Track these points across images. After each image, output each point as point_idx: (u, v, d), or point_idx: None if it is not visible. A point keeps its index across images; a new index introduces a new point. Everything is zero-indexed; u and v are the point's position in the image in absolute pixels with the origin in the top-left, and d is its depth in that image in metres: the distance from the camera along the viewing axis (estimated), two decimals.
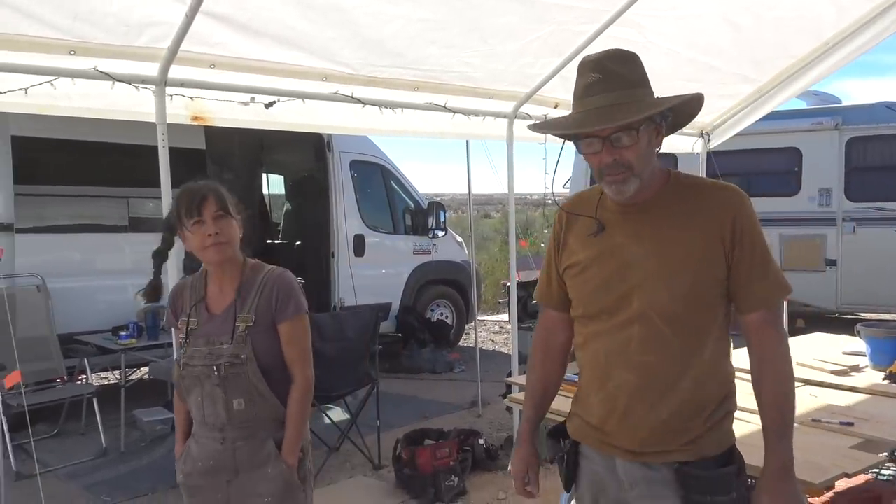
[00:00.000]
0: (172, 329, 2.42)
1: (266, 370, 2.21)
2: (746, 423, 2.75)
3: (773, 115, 8.85)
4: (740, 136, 6.96)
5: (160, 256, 2.34)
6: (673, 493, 1.73)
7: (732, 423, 1.83)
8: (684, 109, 1.80)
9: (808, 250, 9.07)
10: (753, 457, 2.36)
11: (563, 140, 1.91)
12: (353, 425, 4.93)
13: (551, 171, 4.57)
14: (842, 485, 3.42)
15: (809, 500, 2.91)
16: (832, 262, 8.92)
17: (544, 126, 1.92)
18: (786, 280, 1.77)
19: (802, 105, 9.77)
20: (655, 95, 1.74)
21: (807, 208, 9.10)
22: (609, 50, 1.76)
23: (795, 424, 2.73)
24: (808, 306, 9.27)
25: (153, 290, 2.32)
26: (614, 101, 1.66)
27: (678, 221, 1.74)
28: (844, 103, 9.75)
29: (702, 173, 6.20)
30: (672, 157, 7.86)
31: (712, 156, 6.45)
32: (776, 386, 1.73)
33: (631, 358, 1.75)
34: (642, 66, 1.74)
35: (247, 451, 2.23)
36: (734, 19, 4.33)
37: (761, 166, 9.60)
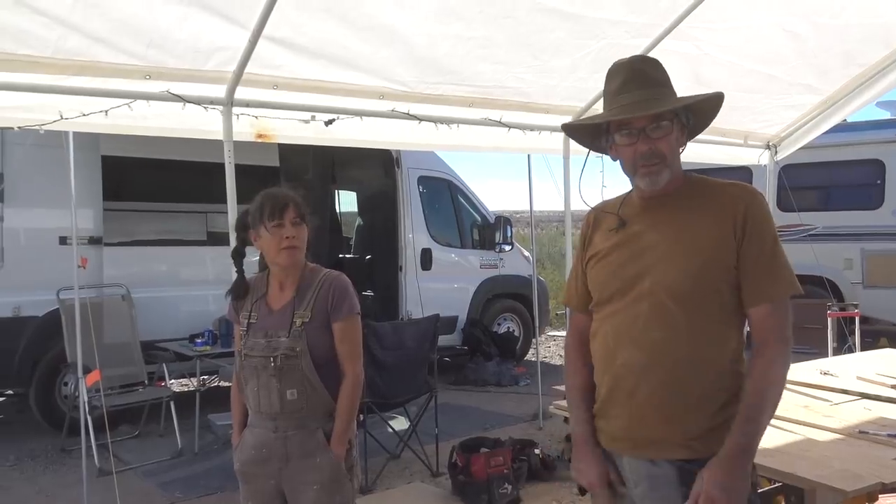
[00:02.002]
0: (234, 325, 2.55)
1: (318, 364, 2.36)
2: (787, 433, 2.76)
3: (854, 127, 8.63)
4: (818, 147, 6.80)
5: (239, 255, 2.51)
6: (676, 490, 1.75)
7: None
8: (704, 111, 1.88)
9: (892, 266, 8.69)
10: (794, 465, 2.38)
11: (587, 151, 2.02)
12: (413, 433, 5.05)
13: (605, 183, 4.60)
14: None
15: None
16: None
17: (582, 121, 2.00)
18: (794, 278, 1.78)
19: (885, 115, 9.40)
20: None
21: (891, 222, 8.72)
22: (635, 56, 1.90)
23: (840, 436, 2.74)
24: (894, 324, 8.88)
25: (238, 287, 2.48)
26: (648, 97, 1.79)
27: (694, 212, 1.82)
28: None
29: (772, 185, 6.09)
30: (747, 171, 7.72)
31: (785, 169, 6.33)
32: (762, 373, 1.74)
33: (638, 335, 1.79)
34: (665, 70, 1.87)
35: (297, 441, 2.36)
36: (792, 28, 4.30)
37: (842, 179, 9.27)
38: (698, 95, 1.84)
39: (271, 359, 2.33)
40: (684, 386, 1.76)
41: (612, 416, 1.86)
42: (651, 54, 4.21)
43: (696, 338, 1.76)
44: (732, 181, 1.88)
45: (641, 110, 1.77)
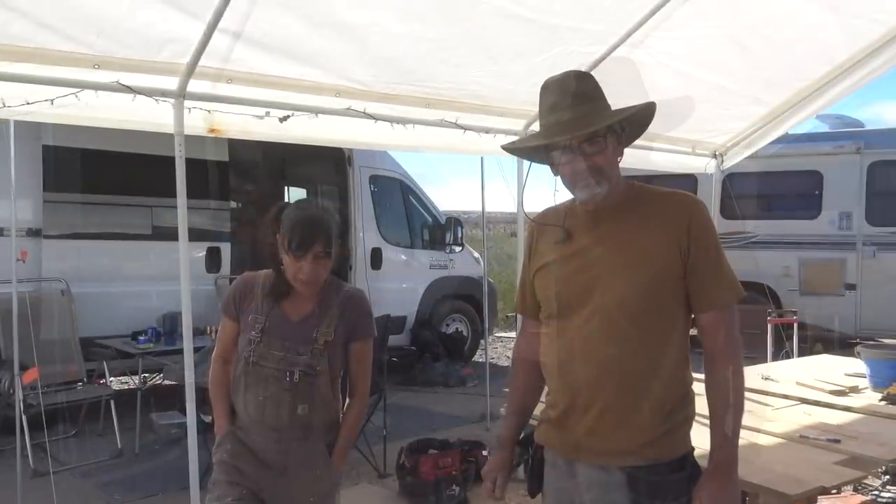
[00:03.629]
0: (225, 319, 2.40)
1: (332, 381, 2.32)
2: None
3: (795, 138, 8.90)
4: (761, 157, 6.99)
5: (276, 260, 2.31)
6: (625, 497, 1.81)
7: (690, 429, 1.89)
8: (638, 120, 1.90)
9: (828, 274, 9.02)
10: (740, 469, 2.44)
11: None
12: (361, 433, 5.01)
13: (557, 187, 4.63)
14: None
15: None
16: (851, 287, 8.86)
17: (518, 143, 2.01)
18: (738, 283, 1.86)
19: (825, 128, 9.74)
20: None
21: (827, 231, 9.05)
22: (567, 71, 1.90)
23: (782, 440, 2.82)
24: (827, 331, 9.20)
25: (283, 287, 2.31)
26: (579, 115, 1.80)
27: (638, 223, 1.85)
28: (868, 127, 9.72)
29: (716, 193, 6.24)
30: (692, 179, 7.90)
31: (730, 177, 6.49)
32: (724, 384, 1.81)
33: (591, 351, 1.83)
34: (598, 83, 1.88)
35: (300, 452, 2.30)
36: (742, 41, 4.40)
37: (782, 189, 9.58)
38: (627, 109, 1.84)
39: (287, 373, 2.25)
40: (636, 397, 1.82)
41: (569, 428, 1.90)
42: (606, 62, 4.33)
43: (646, 350, 1.82)
44: (674, 190, 1.93)
45: (569, 131, 1.79)
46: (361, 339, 2.37)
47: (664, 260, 1.81)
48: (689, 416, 1.88)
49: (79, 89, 3.24)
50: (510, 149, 2.09)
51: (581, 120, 1.79)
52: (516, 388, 2.13)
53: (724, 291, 1.84)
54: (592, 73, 2.06)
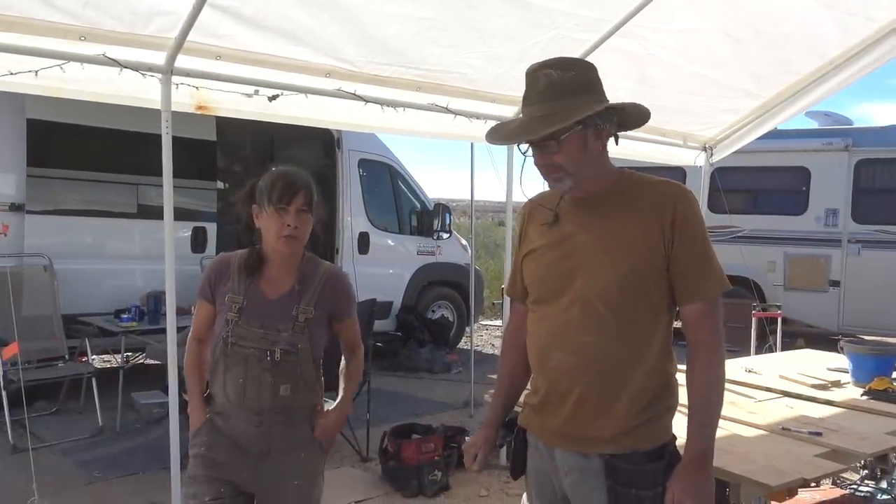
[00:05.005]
0: (200, 301, 2.34)
1: (314, 361, 2.26)
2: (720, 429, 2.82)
3: (783, 134, 8.94)
4: (749, 152, 7.00)
5: (251, 232, 2.28)
6: (601, 483, 1.82)
7: (672, 419, 1.89)
8: (633, 113, 1.88)
9: (812, 270, 9.08)
10: (721, 460, 2.45)
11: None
12: None
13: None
14: (817, 497, 3.47)
15: None
16: (836, 283, 8.93)
17: (491, 131, 1.98)
18: (724, 276, 1.84)
19: (814, 125, 9.78)
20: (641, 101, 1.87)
21: (812, 228, 9.11)
22: (552, 59, 1.85)
23: (764, 432, 2.83)
24: (810, 326, 9.28)
25: (258, 261, 2.27)
26: (538, 113, 1.79)
27: (623, 212, 1.84)
28: (856, 125, 9.77)
29: (705, 186, 6.24)
30: (681, 171, 7.91)
31: (718, 171, 6.49)
32: (702, 375, 1.80)
33: (570, 338, 1.84)
34: (584, 74, 1.83)
35: (282, 436, 2.24)
36: (735, 34, 4.38)
37: (769, 184, 9.64)
38: (590, 108, 1.78)
39: (268, 353, 2.19)
40: (614, 387, 1.82)
41: (549, 414, 1.92)
42: (598, 50, 4.31)
43: (626, 340, 1.82)
44: (664, 179, 1.91)
45: (521, 134, 1.82)
46: (346, 318, 2.35)
47: (646, 250, 1.80)
48: (670, 406, 1.88)
49: (64, 61, 3.19)
50: (489, 137, 2.04)
51: (538, 120, 1.78)
52: (504, 371, 2.15)
53: (708, 283, 1.81)
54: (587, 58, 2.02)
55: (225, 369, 2.23)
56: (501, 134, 1.92)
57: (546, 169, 1.83)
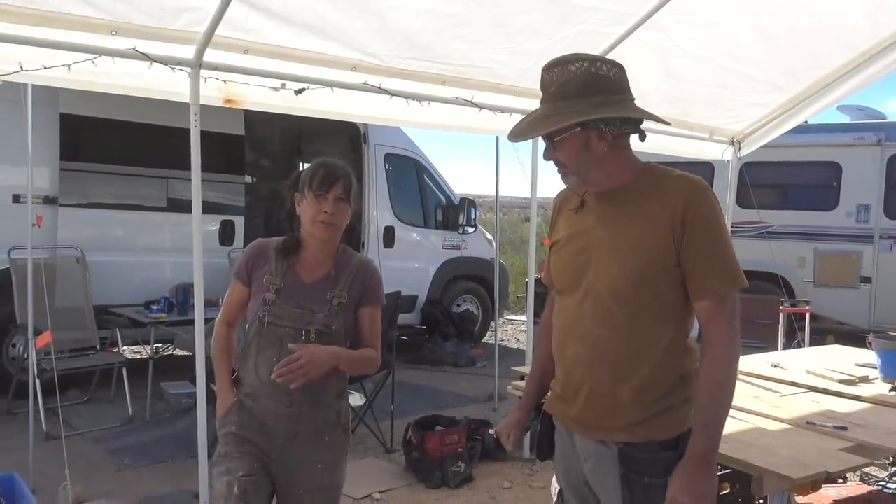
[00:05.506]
0: (235, 283, 2.40)
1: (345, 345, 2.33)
2: (738, 421, 2.82)
3: (814, 129, 8.81)
4: (779, 147, 6.91)
5: (291, 218, 2.37)
6: (615, 469, 1.86)
7: (690, 410, 1.86)
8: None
9: (843, 266, 8.94)
10: (744, 452, 2.44)
11: None
12: (369, 409, 5.05)
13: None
14: (842, 493, 3.44)
15: (804, 499, 2.95)
16: (867, 280, 8.78)
17: (514, 138, 2.00)
18: (738, 273, 1.80)
19: (845, 119, 9.62)
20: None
21: (844, 224, 8.96)
22: (570, 55, 1.85)
23: (788, 426, 2.81)
24: (841, 323, 9.14)
25: (295, 244, 2.35)
26: (543, 112, 1.84)
27: (638, 208, 1.85)
28: (889, 119, 9.59)
29: (733, 181, 6.19)
30: (709, 166, 7.84)
31: (746, 166, 6.42)
32: (709, 374, 1.79)
33: (583, 331, 1.89)
34: (597, 74, 1.80)
35: (310, 417, 2.29)
36: (765, 28, 4.34)
37: (799, 179, 9.48)
38: (581, 115, 1.78)
39: (303, 332, 2.25)
40: (626, 379, 1.85)
41: (568, 402, 1.97)
42: (624, 43, 4.29)
43: (636, 335, 1.84)
44: (682, 173, 1.89)
45: (525, 132, 1.88)
46: (371, 304, 2.38)
47: (656, 247, 1.79)
48: (688, 398, 1.87)
49: (96, 55, 3.24)
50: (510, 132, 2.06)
51: (540, 119, 1.84)
52: (539, 356, 2.21)
53: (718, 280, 1.79)
54: (612, 54, 2.03)
55: (258, 350, 2.29)
56: (514, 129, 1.95)
57: (555, 164, 1.90)
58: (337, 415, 2.36)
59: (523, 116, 1.99)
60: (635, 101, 1.87)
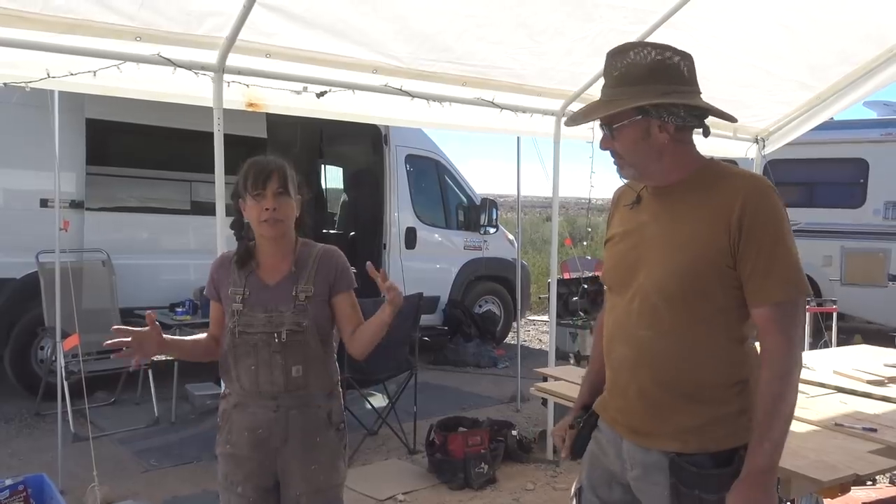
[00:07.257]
0: (211, 301, 2.42)
1: (322, 339, 2.31)
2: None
3: (840, 125, 8.69)
4: (805, 144, 6.82)
5: (239, 226, 2.37)
6: (665, 479, 1.76)
7: (747, 423, 1.73)
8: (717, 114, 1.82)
9: (871, 264, 8.81)
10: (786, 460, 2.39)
11: None
12: (392, 410, 5.06)
13: (594, 169, 4.61)
14: (872, 495, 3.39)
15: (832, 502, 2.90)
16: (895, 278, 8.64)
17: (573, 122, 1.96)
18: (800, 280, 1.70)
19: (872, 115, 9.48)
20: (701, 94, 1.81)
21: (871, 221, 8.83)
22: (626, 44, 1.81)
23: (816, 428, 2.76)
24: (868, 323, 9.02)
25: (247, 254, 2.34)
26: (604, 98, 1.79)
27: (693, 206, 1.77)
28: None
29: None
30: (733, 164, 7.75)
31: (771, 163, 6.35)
32: (766, 386, 1.69)
33: (629, 331, 1.82)
34: (664, 62, 1.74)
35: (300, 419, 2.28)
36: (789, 24, 4.29)
37: (825, 176, 9.37)
38: (642, 100, 1.72)
39: (275, 335, 2.24)
40: (671, 383, 1.78)
41: (616, 404, 1.91)
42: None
43: (681, 337, 1.75)
44: (742, 171, 1.81)
45: (581, 117, 1.84)
46: (343, 290, 2.35)
47: (709, 248, 1.70)
48: (744, 409, 1.75)
49: (121, 61, 3.29)
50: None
51: (599, 105, 1.79)
52: (594, 355, 2.16)
53: (776, 287, 1.67)
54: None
55: (236, 360, 2.29)
56: (573, 115, 1.90)
57: (611, 154, 1.83)
58: (328, 415, 2.34)
59: (544, 116, 1.96)
60: (701, 96, 1.80)
